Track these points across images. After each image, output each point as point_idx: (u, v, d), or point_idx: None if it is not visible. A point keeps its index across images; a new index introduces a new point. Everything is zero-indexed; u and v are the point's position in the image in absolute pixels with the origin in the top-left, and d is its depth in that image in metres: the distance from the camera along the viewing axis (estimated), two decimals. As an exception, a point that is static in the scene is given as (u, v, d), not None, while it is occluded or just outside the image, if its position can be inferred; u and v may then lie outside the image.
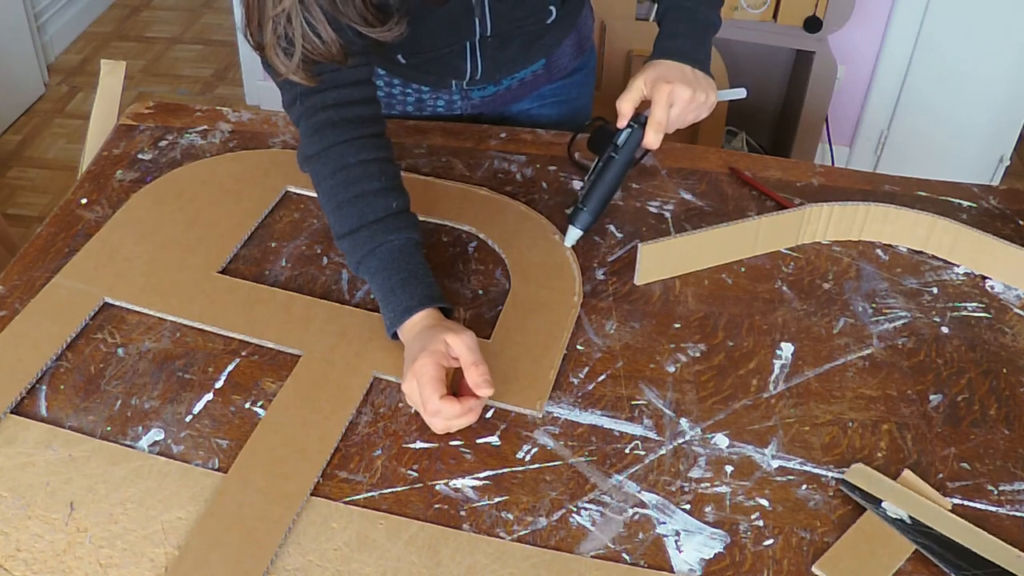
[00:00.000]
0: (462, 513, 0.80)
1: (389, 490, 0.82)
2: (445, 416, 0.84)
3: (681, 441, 0.87)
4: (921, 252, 1.09)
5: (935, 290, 1.04)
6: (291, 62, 0.89)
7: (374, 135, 0.97)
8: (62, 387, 0.90)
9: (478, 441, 0.86)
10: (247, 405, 0.89)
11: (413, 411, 0.88)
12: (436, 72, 1.17)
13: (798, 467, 0.85)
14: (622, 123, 1.02)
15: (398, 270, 0.92)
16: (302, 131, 0.97)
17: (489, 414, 0.88)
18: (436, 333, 0.87)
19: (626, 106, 1.01)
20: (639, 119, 1.02)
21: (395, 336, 0.92)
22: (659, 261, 1.03)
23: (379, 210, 0.94)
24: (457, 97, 1.24)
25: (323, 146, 0.95)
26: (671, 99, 0.99)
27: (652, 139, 1.00)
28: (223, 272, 1.03)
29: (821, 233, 1.09)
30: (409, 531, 0.78)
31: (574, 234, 1.05)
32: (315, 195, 1.12)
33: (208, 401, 0.89)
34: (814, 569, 0.76)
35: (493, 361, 0.92)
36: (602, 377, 0.92)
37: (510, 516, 0.80)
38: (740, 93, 1.10)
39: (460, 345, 0.85)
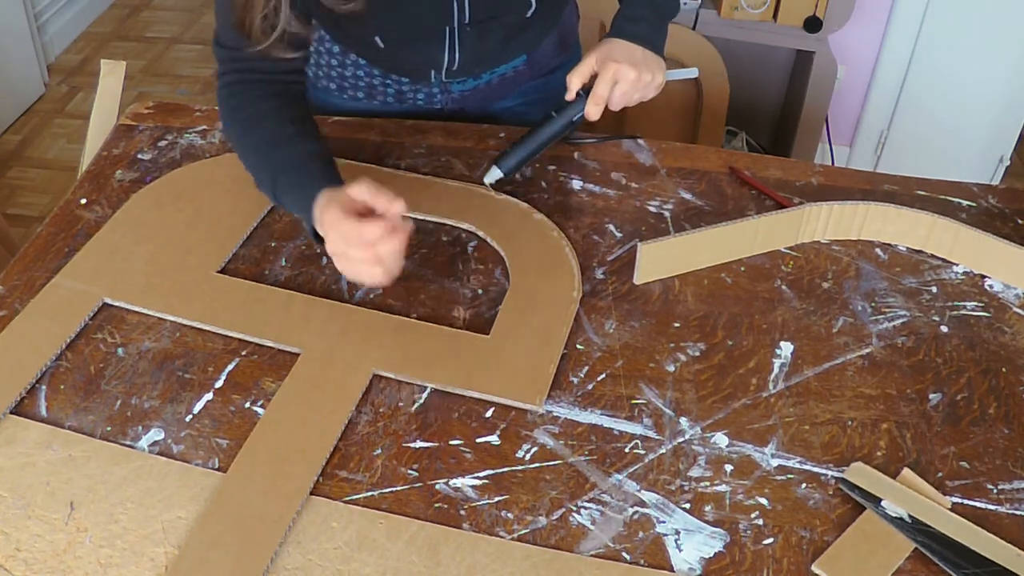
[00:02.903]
0: (462, 512, 0.80)
1: (389, 489, 0.82)
2: (377, 237, 0.84)
3: (681, 440, 0.87)
4: (921, 251, 1.09)
5: (934, 289, 1.04)
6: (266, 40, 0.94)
7: (298, 104, 1.03)
8: (62, 387, 0.90)
9: (478, 440, 0.86)
10: (247, 405, 0.89)
11: (413, 410, 0.89)
12: (414, 60, 1.17)
13: (798, 466, 0.85)
14: (571, 96, 1.07)
15: (300, 177, 0.96)
16: (226, 96, 1.02)
17: (489, 413, 0.88)
18: (337, 193, 0.90)
19: (575, 80, 1.06)
20: (587, 91, 1.06)
21: (318, 238, 0.93)
22: (659, 260, 1.03)
23: (287, 145, 0.98)
24: (437, 90, 1.24)
25: (245, 107, 1.01)
26: (616, 77, 1.03)
27: (591, 111, 1.05)
28: (223, 272, 1.03)
29: (820, 232, 1.09)
30: (409, 530, 0.78)
31: (495, 173, 1.09)
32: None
33: (208, 401, 0.89)
34: (814, 568, 0.76)
35: (493, 357, 0.92)
36: (602, 376, 0.92)
37: (510, 515, 0.80)
38: (692, 72, 1.14)
39: (357, 187, 0.87)
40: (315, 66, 1.25)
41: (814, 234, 1.09)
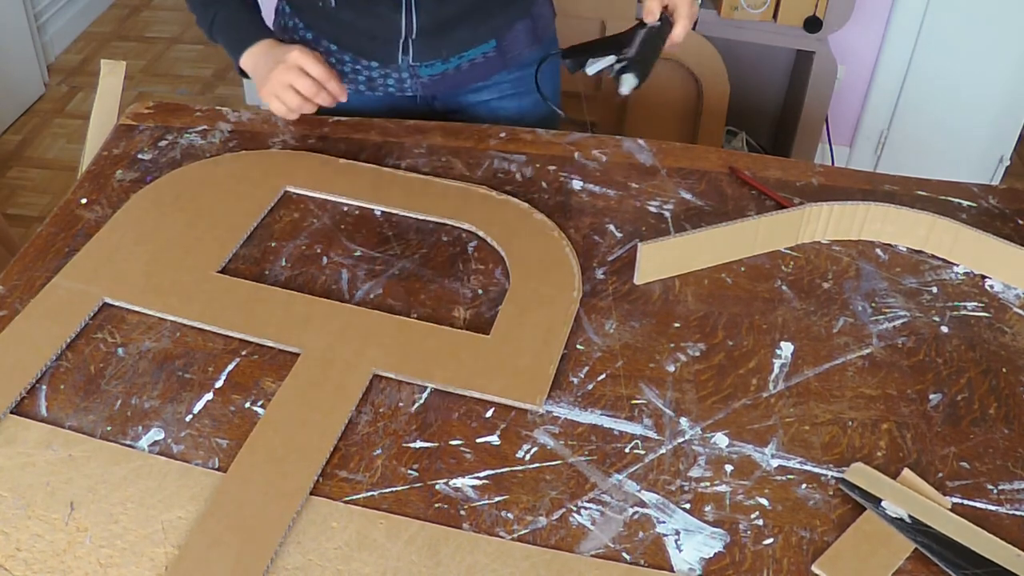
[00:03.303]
0: (462, 512, 0.80)
1: (389, 489, 0.82)
2: (303, 62, 1.09)
3: (681, 440, 0.87)
4: (921, 252, 1.09)
5: (935, 289, 1.04)
6: None
7: None
8: (62, 387, 0.90)
9: (478, 440, 0.86)
10: (247, 405, 0.89)
11: (413, 410, 0.89)
12: (372, 26, 1.20)
13: (798, 466, 0.85)
14: (651, 18, 1.13)
15: (235, 23, 1.18)
16: None
17: (489, 413, 0.88)
18: (283, 48, 1.12)
19: (655, 5, 1.13)
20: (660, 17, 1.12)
21: (243, 73, 1.19)
22: (659, 261, 1.03)
23: None
24: (406, 75, 1.26)
25: None
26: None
27: (680, 33, 1.14)
28: (223, 272, 1.03)
29: (821, 233, 1.09)
30: (409, 530, 0.78)
31: (631, 82, 1.08)
32: (315, 195, 1.13)
33: (208, 401, 0.89)
34: (814, 568, 0.76)
35: (493, 357, 0.92)
36: (602, 376, 0.92)
37: (510, 515, 0.80)
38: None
39: (310, 60, 1.11)
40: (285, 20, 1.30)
41: (814, 234, 1.09)
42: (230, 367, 0.92)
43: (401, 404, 0.89)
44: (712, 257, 1.05)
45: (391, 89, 1.29)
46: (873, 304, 1.02)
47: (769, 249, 1.08)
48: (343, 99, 1.15)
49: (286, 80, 1.12)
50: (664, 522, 0.80)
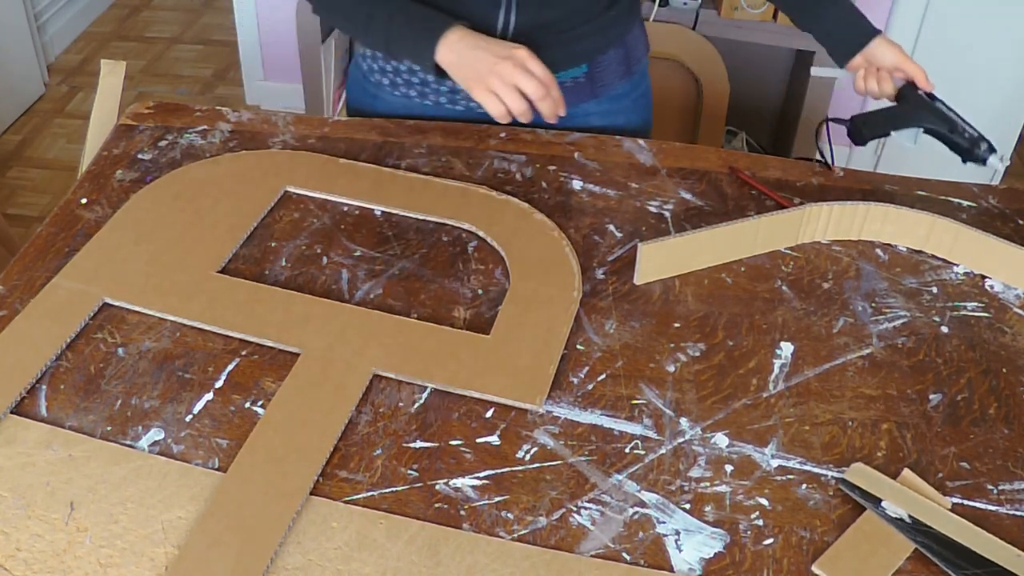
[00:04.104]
0: (462, 513, 0.80)
1: (389, 489, 0.82)
2: (527, 59, 1.01)
3: (681, 440, 0.87)
4: (921, 252, 1.09)
5: (935, 289, 1.04)
6: None
7: None
8: (62, 387, 0.90)
9: (478, 441, 0.86)
10: (247, 405, 0.89)
11: (413, 410, 0.89)
12: (465, 13, 1.12)
13: (798, 466, 0.85)
14: (928, 84, 1.14)
15: (418, 18, 1.06)
16: None
17: (489, 413, 0.88)
18: (501, 43, 1.03)
19: (919, 70, 1.14)
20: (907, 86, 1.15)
21: (440, 73, 1.05)
22: (659, 261, 1.03)
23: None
24: None
25: None
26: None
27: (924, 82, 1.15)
28: (223, 272, 1.03)
29: (821, 233, 1.09)
30: (409, 531, 0.78)
31: (995, 163, 1.12)
32: (315, 195, 1.13)
33: (208, 401, 0.89)
34: (814, 568, 0.76)
35: (493, 357, 0.92)
36: (602, 376, 0.92)
37: (510, 516, 0.80)
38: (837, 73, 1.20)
39: (536, 63, 1.01)
40: (369, 57, 1.26)
41: (814, 235, 1.09)
42: (230, 367, 0.92)
43: (401, 404, 0.89)
44: (712, 257, 1.05)
45: (472, 103, 1.22)
46: (873, 304, 1.02)
47: (769, 249, 1.08)
48: (562, 112, 1.04)
49: (511, 79, 1.01)
50: (664, 522, 0.80)
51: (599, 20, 1.17)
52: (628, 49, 1.26)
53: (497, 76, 1.01)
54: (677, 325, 0.98)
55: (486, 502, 0.81)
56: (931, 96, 1.14)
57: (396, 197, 1.13)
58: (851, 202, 1.08)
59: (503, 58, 1.01)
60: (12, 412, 0.87)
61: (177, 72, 3.12)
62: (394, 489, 0.82)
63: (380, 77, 1.25)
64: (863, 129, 1.14)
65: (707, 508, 0.81)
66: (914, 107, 1.13)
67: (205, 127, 1.25)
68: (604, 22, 1.17)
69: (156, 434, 0.86)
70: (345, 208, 1.12)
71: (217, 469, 0.83)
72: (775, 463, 0.85)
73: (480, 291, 1.02)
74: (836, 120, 1.18)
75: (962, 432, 0.88)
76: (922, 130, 1.13)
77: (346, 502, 0.81)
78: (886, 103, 1.18)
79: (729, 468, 0.84)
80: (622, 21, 1.22)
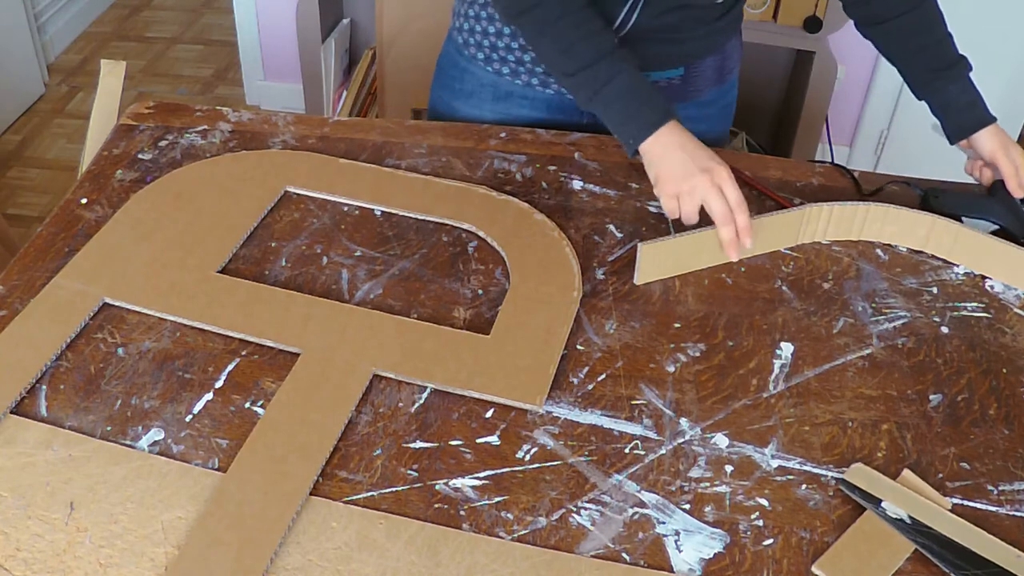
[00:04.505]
0: (462, 513, 0.80)
1: (389, 490, 0.82)
2: (726, 180, 0.98)
3: (681, 441, 0.87)
4: (921, 252, 1.09)
5: (935, 290, 1.04)
6: None
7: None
8: (62, 387, 0.90)
9: (478, 441, 0.86)
10: (247, 405, 0.89)
11: (413, 411, 0.88)
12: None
13: (798, 467, 0.85)
14: (1019, 193, 1.10)
15: (638, 93, 1.02)
16: None
17: (489, 414, 0.88)
18: (706, 154, 1.00)
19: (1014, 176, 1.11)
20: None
21: (635, 154, 1.03)
22: (659, 261, 1.03)
23: (608, 45, 1.03)
24: None
25: None
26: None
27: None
28: (223, 272, 1.03)
29: (821, 233, 1.09)
30: (409, 531, 0.78)
31: None
32: (315, 195, 1.13)
33: (208, 401, 0.89)
34: (814, 569, 0.76)
35: (493, 357, 0.92)
36: (602, 377, 0.92)
37: (510, 516, 0.80)
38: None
39: (733, 187, 0.99)
40: (466, 31, 1.24)
41: (815, 235, 1.09)
42: (230, 367, 0.92)
43: (401, 404, 0.89)
44: (712, 258, 1.05)
45: (562, 89, 1.21)
46: (873, 304, 1.02)
47: (769, 250, 1.08)
48: (748, 244, 1.00)
49: (701, 194, 0.99)
50: (664, 523, 0.80)
51: (708, 28, 1.16)
52: (725, 57, 1.26)
53: (689, 188, 1.00)
54: (677, 325, 0.98)
55: (486, 502, 0.81)
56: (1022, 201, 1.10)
57: (396, 197, 1.13)
58: (851, 202, 1.08)
59: (703, 171, 0.99)
60: (12, 412, 0.87)
61: (177, 72, 3.12)
62: (394, 489, 0.82)
63: (475, 51, 1.24)
64: (931, 200, 1.11)
65: (707, 508, 0.81)
66: (994, 202, 1.10)
67: (205, 127, 1.25)
68: (711, 30, 1.17)
69: (156, 434, 0.86)
70: (345, 208, 1.12)
71: (217, 469, 0.83)
72: (775, 463, 0.85)
73: (480, 291, 1.02)
74: (902, 180, 1.16)
75: (962, 432, 0.88)
76: (992, 224, 1.11)
77: (346, 502, 0.81)
78: (969, 179, 1.17)
79: (729, 468, 0.84)
80: (726, 31, 1.22)
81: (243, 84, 2.96)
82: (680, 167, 1.00)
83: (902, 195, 1.16)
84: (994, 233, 1.07)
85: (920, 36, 1.13)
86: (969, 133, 1.11)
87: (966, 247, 1.06)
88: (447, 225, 1.10)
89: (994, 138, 1.10)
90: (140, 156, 1.20)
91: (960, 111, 1.11)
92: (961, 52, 1.15)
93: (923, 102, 1.15)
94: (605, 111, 1.04)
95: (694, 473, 0.84)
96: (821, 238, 1.10)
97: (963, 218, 1.10)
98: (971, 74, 1.13)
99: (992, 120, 1.12)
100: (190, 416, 0.87)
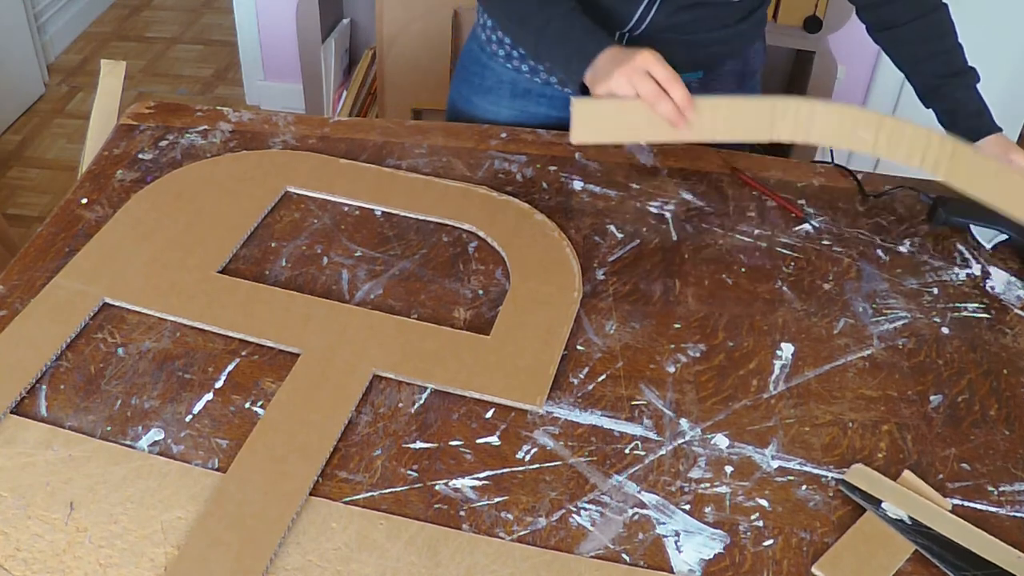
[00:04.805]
0: (462, 513, 0.80)
1: (389, 490, 0.82)
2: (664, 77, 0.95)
3: (681, 441, 0.87)
4: (922, 251, 1.09)
5: (935, 290, 1.04)
6: None
7: None
8: (62, 387, 0.90)
9: (478, 441, 0.86)
10: (247, 405, 0.89)
11: (413, 411, 0.88)
12: (606, 5, 1.11)
13: (798, 467, 0.85)
14: None
15: (573, 29, 1.03)
16: None
17: (489, 414, 0.88)
18: (629, 51, 0.97)
19: None
20: None
21: (584, 90, 1.01)
22: (597, 122, 0.98)
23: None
24: None
25: None
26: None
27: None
28: (223, 272, 1.03)
29: (803, 133, 0.98)
30: (409, 531, 0.78)
31: None
32: (315, 195, 1.13)
33: (208, 401, 0.89)
34: (814, 570, 0.76)
35: (493, 358, 0.92)
36: (602, 377, 0.92)
37: (510, 516, 0.80)
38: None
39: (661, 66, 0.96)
40: (489, 28, 1.25)
41: (794, 134, 0.98)
42: (230, 367, 0.92)
43: (401, 404, 0.89)
44: (657, 132, 0.98)
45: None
46: (874, 305, 1.02)
47: (729, 139, 0.99)
48: (688, 114, 0.97)
49: (627, 81, 0.98)
50: (664, 523, 0.80)
51: (728, 30, 1.16)
52: (746, 61, 1.26)
53: (616, 80, 0.98)
54: (677, 326, 0.98)
55: (486, 503, 0.81)
56: None
57: (396, 197, 1.13)
58: (839, 102, 0.98)
59: (626, 60, 0.98)
60: (12, 412, 0.87)
61: (177, 72, 3.12)
62: (394, 490, 0.82)
63: (497, 48, 1.25)
64: (940, 209, 1.10)
65: (707, 509, 0.81)
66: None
67: (205, 127, 1.24)
68: (732, 33, 1.16)
69: (156, 434, 0.86)
70: (345, 208, 1.12)
71: (217, 469, 0.83)
72: (775, 464, 0.85)
73: (480, 291, 1.02)
74: (909, 186, 1.16)
75: (962, 433, 0.88)
76: (1001, 234, 1.10)
77: (346, 502, 0.81)
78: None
79: (729, 469, 0.84)
80: (748, 34, 1.22)
81: (243, 84, 2.96)
82: (604, 67, 0.99)
83: (910, 203, 1.16)
84: (1002, 243, 1.07)
85: (930, 43, 1.12)
86: (975, 140, 1.11)
87: (961, 166, 0.97)
88: (447, 225, 1.10)
89: (1000, 145, 1.10)
90: (140, 156, 1.20)
91: (967, 118, 1.11)
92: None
93: (930, 109, 1.14)
94: (550, 57, 1.05)
95: (694, 474, 0.84)
96: (802, 139, 0.99)
97: (971, 226, 1.10)
98: None
99: (998, 129, 1.11)
100: (190, 416, 0.87)
